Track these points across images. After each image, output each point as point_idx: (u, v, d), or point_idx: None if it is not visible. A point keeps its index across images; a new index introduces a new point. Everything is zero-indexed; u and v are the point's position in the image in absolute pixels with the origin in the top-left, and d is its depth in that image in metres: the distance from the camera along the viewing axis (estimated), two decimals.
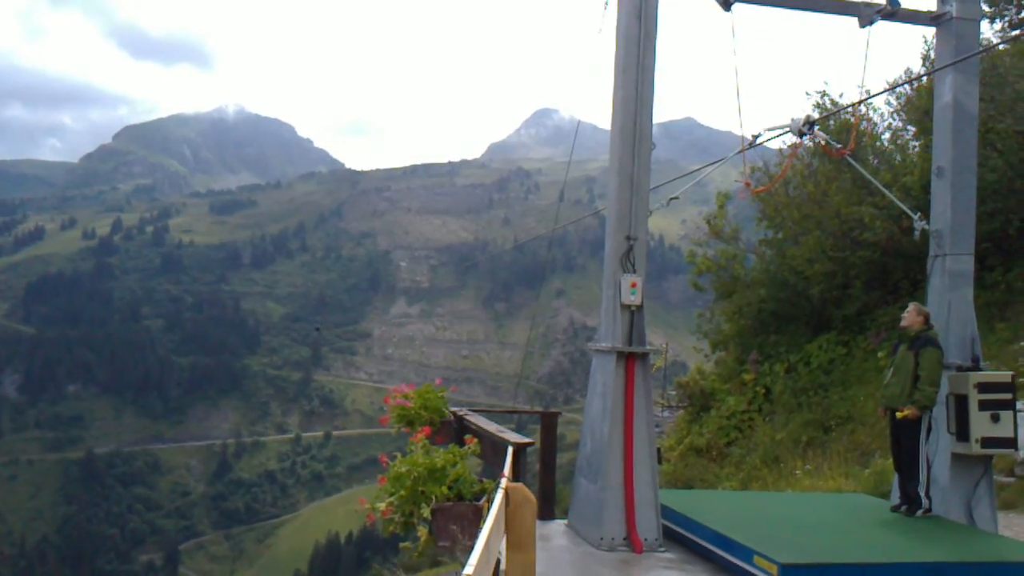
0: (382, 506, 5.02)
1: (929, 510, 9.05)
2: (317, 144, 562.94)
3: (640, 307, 9.00)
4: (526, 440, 6.98)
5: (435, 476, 4.95)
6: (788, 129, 10.29)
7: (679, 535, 8.76)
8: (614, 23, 9.53)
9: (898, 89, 23.11)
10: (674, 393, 29.40)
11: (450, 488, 4.95)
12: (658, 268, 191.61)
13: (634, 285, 8.95)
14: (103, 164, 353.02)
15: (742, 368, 24.05)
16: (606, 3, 9.60)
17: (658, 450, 9.25)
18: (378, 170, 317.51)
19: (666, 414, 29.43)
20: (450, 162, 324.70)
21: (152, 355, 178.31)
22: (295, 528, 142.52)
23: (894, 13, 10.06)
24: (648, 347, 9.00)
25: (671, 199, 10.38)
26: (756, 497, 12.52)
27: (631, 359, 8.82)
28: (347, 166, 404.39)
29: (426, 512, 4.85)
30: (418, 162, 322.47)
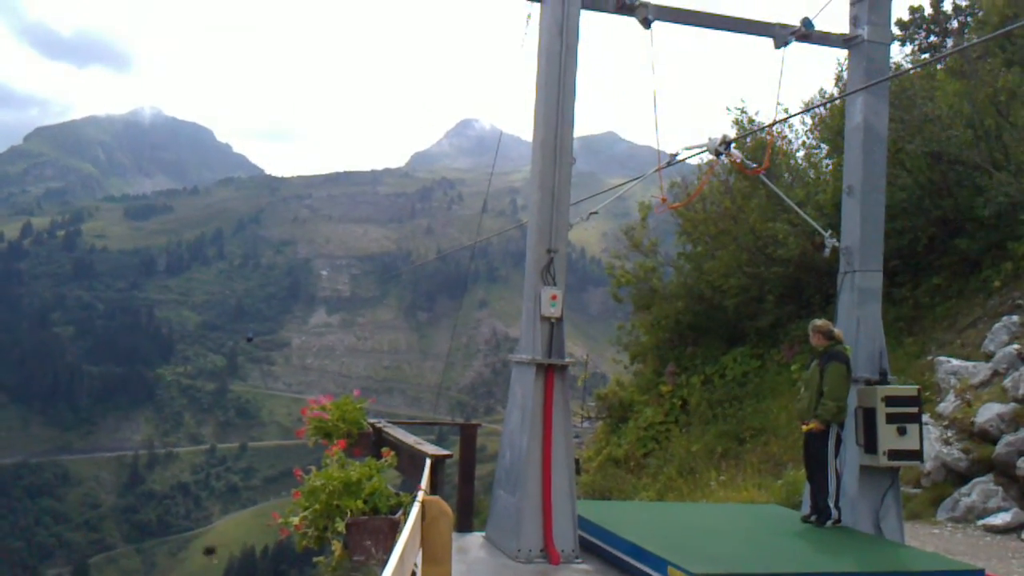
0: (295, 520, 4.95)
1: (838, 520, 9.28)
2: (236, 149, 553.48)
3: (560, 319, 9.05)
4: (444, 452, 6.95)
5: (350, 490, 4.91)
6: (705, 148, 10.47)
7: (595, 546, 8.82)
8: (536, 37, 9.59)
9: (815, 107, 23.75)
10: (593, 404, 29.62)
11: (365, 502, 4.91)
12: (579, 280, 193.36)
13: (554, 297, 9.00)
14: (13, 166, 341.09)
15: (659, 380, 24.38)
16: (528, 16, 9.65)
17: (576, 461, 9.32)
18: (299, 176, 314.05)
19: (585, 425, 29.61)
20: (373, 170, 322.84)
21: (62, 363, 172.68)
22: (209, 541, 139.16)
23: (808, 35, 10.33)
24: (568, 359, 9.05)
25: (591, 213, 10.46)
26: (671, 508, 12.68)
27: (550, 371, 8.86)
28: (267, 172, 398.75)
29: (341, 526, 4.80)
30: (340, 169, 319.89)
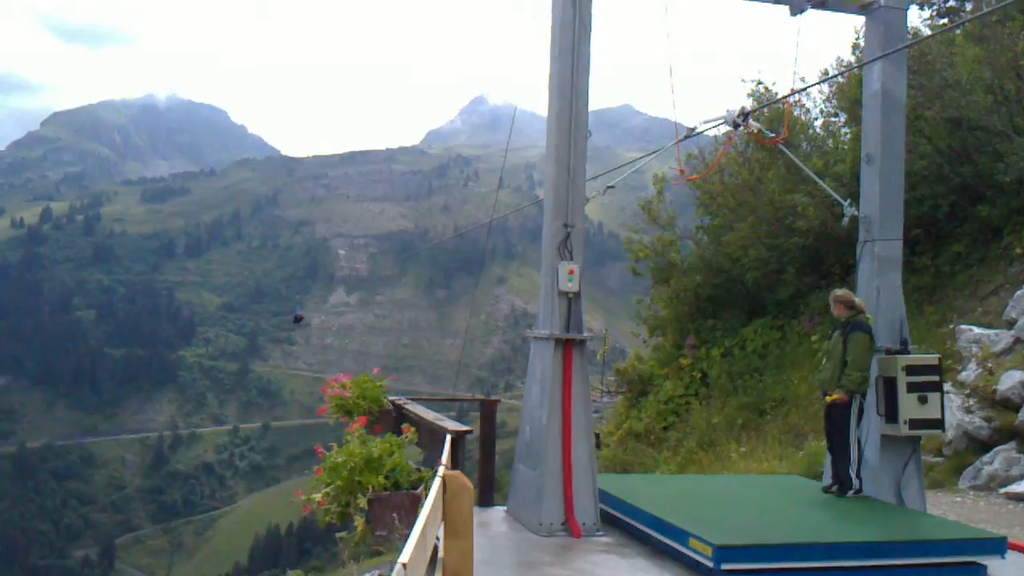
0: (318, 497, 5.00)
1: (860, 490, 9.27)
2: (252, 130, 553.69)
3: (577, 294, 9.05)
4: (464, 428, 6.98)
5: (372, 466, 4.94)
6: (723, 120, 10.41)
7: (617, 519, 8.85)
8: (549, 9, 9.53)
9: (832, 76, 23.50)
10: (613, 379, 29.64)
11: (387, 477, 4.95)
12: (597, 255, 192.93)
13: (571, 272, 9.00)
14: (31, 151, 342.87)
15: (679, 353, 24.32)
16: None
17: (596, 435, 9.35)
18: (314, 157, 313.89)
19: (605, 400, 29.65)
20: (388, 149, 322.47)
21: (84, 347, 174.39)
22: (234, 520, 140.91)
23: (824, 2, 10.23)
24: (586, 334, 9.06)
25: (608, 187, 10.45)
26: (692, 480, 12.70)
27: (569, 346, 8.87)
28: (282, 152, 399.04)
29: (363, 502, 4.84)
30: (355, 148, 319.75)
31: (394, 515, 4.78)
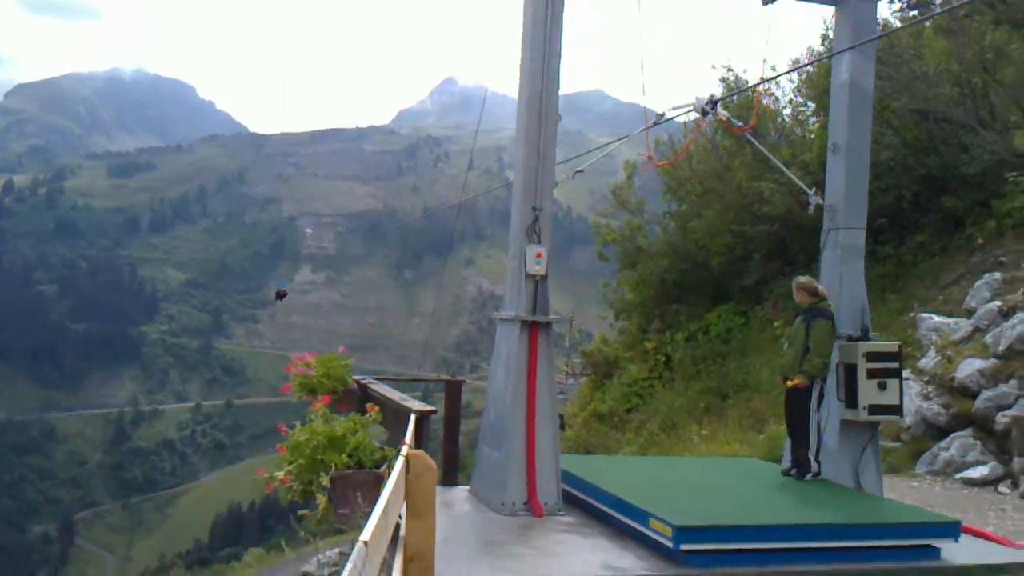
0: (280, 475, 5.00)
1: (818, 474, 9.41)
2: (220, 107, 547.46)
3: (544, 277, 9.07)
4: (429, 408, 7.00)
5: (335, 444, 4.95)
6: (692, 108, 10.45)
7: (579, 499, 8.92)
8: None
9: (802, 65, 23.67)
10: (579, 361, 29.81)
11: (350, 456, 4.95)
12: (566, 238, 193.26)
13: (539, 255, 9.01)
14: None
15: (644, 336, 24.53)
16: None
17: (561, 417, 9.41)
18: (284, 134, 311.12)
19: (571, 382, 29.83)
20: (358, 127, 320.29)
21: (46, 321, 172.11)
22: (196, 498, 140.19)
23: None
24: (552, 316, 9.09)
25: (576, 172, 10.46)
26: (654, 462, 12.82)
27: (535, 328, 8.89)
28: (251, 129, 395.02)
29: (325, 480, 4.85)
30: (325, 127, 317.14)
31: (357, 493, 4.79)
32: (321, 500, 4.91)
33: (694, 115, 10.98)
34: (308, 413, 5.48)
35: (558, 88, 9.34)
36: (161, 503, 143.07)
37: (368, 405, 6.17)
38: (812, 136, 22.24)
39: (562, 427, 21.93)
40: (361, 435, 5.08)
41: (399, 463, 4.55)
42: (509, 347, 8.97)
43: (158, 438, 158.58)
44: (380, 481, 4.82)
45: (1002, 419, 12.01)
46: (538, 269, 9.02)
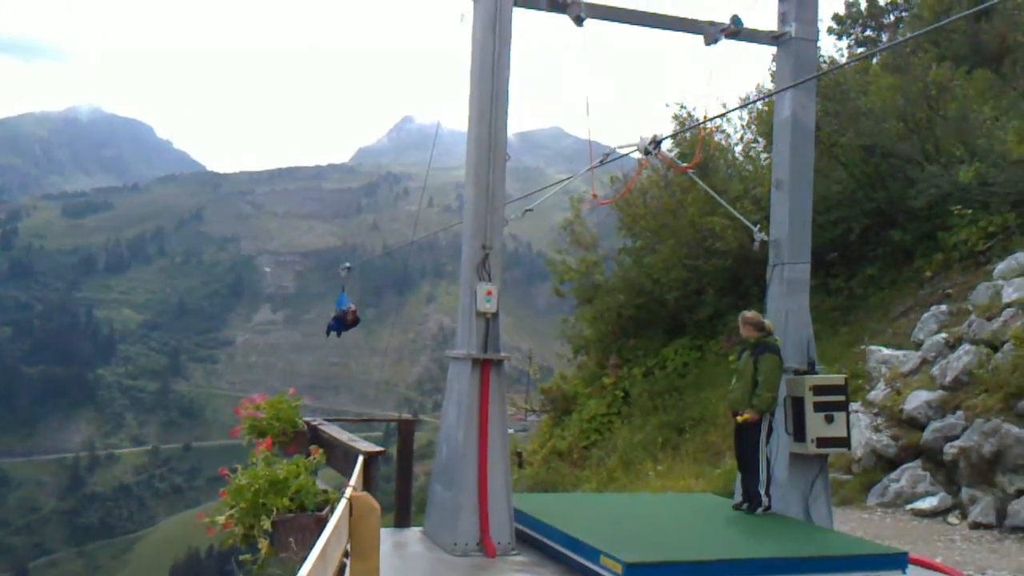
0: (221, 519, 4.96)
1: (769, 508, 9.49)
2: (177, 146, 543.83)
3: (495, 314, 9.13)
4: (377, 449, 6.97)
5: (277, 488, 4.92)
6: (636, 147, 10.64)
7: (532, 538, 8.91)
8: (470, 33, 9.64)
9: (749, 103, 24.13)
10: (543, 397, 29.82)
11: (292, 500, 4.93)
12: (526, 274, 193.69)
13: (489, 293, 9.08)
14: None
15: (602, 372, 24.63)
16: (462, 16, 9.70)
17: (519, 455, 9.45)
18: (242, 172, 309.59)
19: (531, 418, 29.81)
20: (317, 166, 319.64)
21: None
22: (153, 543, 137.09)
23: (737, 32, 10.48)
24: (504, 354, 9.14)
25: (526, 211, 10.63)
26: (608, 499, 12.86)
27: (486, 366, 8.93)
28: (209, 168, 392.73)
29: (267, 524, 4.82)
30: (284, 165, 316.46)
31: (292, 539, 4.77)
32: (263, 544, 4.87)
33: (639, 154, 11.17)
34: (250, 456, 5.45)
35: (506, 127, 9.47)
36: (118, 549, 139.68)
37: (312, 447, 6.15)
38: (764, 171, 22.63)
39: (520, 465, 21.92)
40: (304, 478, 5.07)
41: (341, 505, 4.54)
42: (460, 385, 9.00)
43: (115, 483, 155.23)
44: (322, 524, 4.80)
45: (950, 450, 12.19)
46: (488, 307, 9.08)
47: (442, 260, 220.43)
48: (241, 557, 5.05)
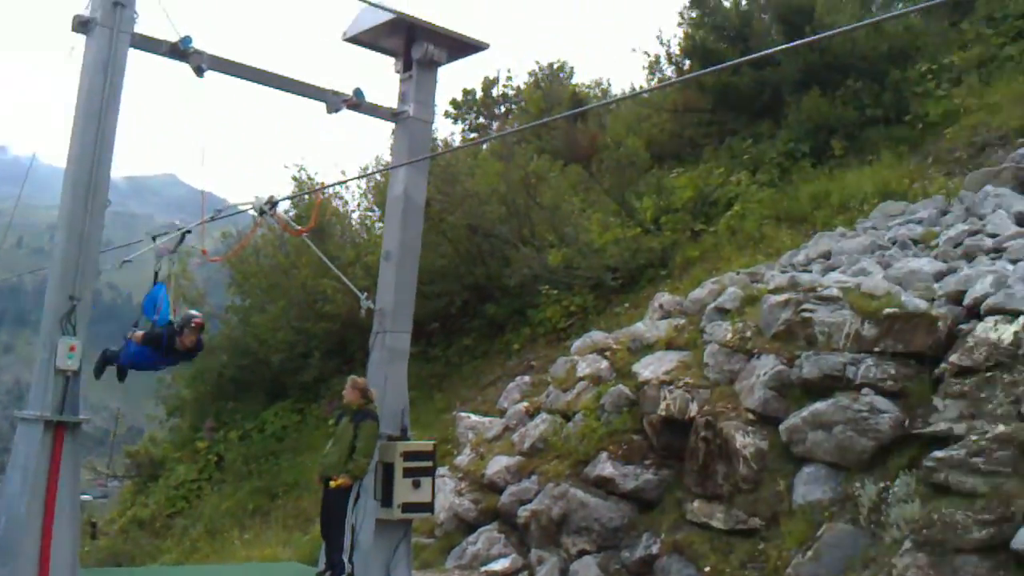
0: None
1: (352, 574, 9.56)
2: None
3: (77, 372, 8.43)
4: None
5: None
6: (252, 206, 10.51)
7: None
8: (79, 72, 9.00)
9: (366, 174, 24.82)
10: (128, 461, 27.75)
11: None
12: (125, 327, 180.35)
13: (72, 349, 8.38)
14: None
15: (196, 435, 23.55)
16: (71, 49, 9.05)
17: (94, 525, 8.71)
18: None
19: (113, 484, 27.57)
20: None
21: None
22: None
23: (359, 105, 10.81)
24: (83, 416, 8.44)
25: (124, 261, 10.04)
26: (187, 571, 12.25)
27: (60, 429, 8.18)
28: None
29: None
30: None
31: None
32: None
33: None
34: None
35: (110, 172, 8.92)
36: None
37: None
38: (377, 239, 23.26)
39: (94, 536, 20.05)
40: None
41: None
42: (29, 449, 8.17)
43: None
44: None
45: (523, 513, 13.04)
46: (70, 364, 8.38)
47: (27, 307, 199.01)
48: None
